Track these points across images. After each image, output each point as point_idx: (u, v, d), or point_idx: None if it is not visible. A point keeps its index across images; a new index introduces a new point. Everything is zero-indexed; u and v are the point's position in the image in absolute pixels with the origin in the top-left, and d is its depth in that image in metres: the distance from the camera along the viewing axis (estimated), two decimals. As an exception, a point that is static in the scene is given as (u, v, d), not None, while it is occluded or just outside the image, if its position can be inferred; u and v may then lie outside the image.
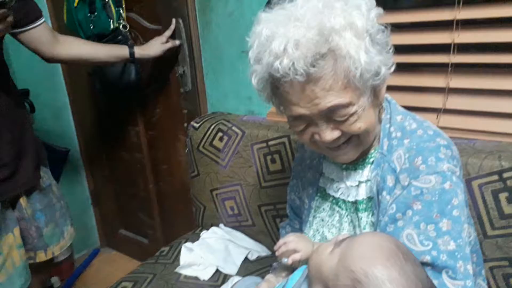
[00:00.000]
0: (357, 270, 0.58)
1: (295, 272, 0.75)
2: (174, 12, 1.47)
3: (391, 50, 0.72)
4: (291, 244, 0.81)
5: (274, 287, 0.79)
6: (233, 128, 1.32)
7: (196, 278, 1.20)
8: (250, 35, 0.73)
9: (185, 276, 1.21)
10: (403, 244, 0.65)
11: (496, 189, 0.88)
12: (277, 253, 0.82)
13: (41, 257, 1.24)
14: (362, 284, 0.57)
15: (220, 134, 1.34)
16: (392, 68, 0.72)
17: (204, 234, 1.32)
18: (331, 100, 0.67)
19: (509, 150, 0.90)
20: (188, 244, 1.27)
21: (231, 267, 1.21)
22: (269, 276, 0.85)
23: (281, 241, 0.82)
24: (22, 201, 1.16)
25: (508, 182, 0.87)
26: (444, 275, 0.65)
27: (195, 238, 1.35)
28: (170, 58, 1.55)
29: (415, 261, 0.61)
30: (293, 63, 0.64)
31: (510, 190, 0.87)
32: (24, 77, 1.82)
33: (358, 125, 0.70)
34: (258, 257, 1.27)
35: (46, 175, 1.24)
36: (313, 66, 0.64)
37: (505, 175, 0.87)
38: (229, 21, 1.39)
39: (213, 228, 1.34)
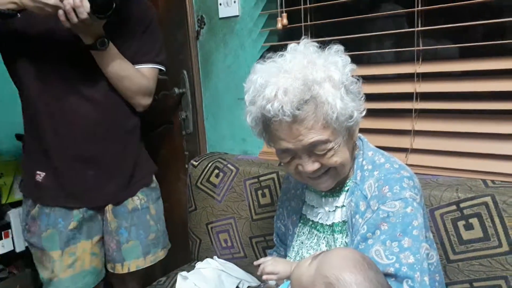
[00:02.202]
0: (330, 275, 0.69)
1: (281, 286, 0.85)
2: (180, 64, 1.67)
3: (362, 98, 0.88)
4: (268, 267, 0.92)
5: None
6: (228, 165, 1.46)
7: (189, 304, 1.28)
8: (246, 82, 0.89)
9: (180, 303, 1.29)
10: (371, 258, 0.76)
11: (455, 218, 1.00)
12: (258, 272, 0.93)
13: (118, 269, 1.35)
14: (334, 286, 0.68)
15: (216, 171, 1.48)
16: (364, 113, 0.87)
17: (199, 264, 1.42)
18: (312, 137, 0.81)
19: (465, 183, 1.03)
20: (184, 272, 1.36)
21: (222, 295, 1.29)
22: None
23: (260, 261, 0.93)
24: (109, 214, 1.29)
25: (465, 211, 0.98)
26: (404, 285, 0.76)
27: (190, 269, 1.44)
28: (174, 104, 1.73)
29: (377, 270, 0.73)
30: (282, 106, 0.78)
31: (467, 219, 0.98)
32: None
33: (334, 159, 0.84)
34: (248, 287, 1.35)
35: (145, 198, 1.36)
36: (298, 109, 0.79)
37: (461, 205, 0.99)
38: (227, 73, 1.58)
39: (207, 260, 1.44)
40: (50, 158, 1.21)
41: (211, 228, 1.49)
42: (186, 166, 1.70)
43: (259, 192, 1.37)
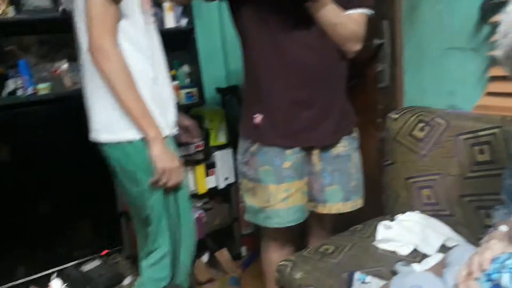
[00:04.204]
0: None
1: None
2: (380, 14, 1.60)
3: None
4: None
5: (503, 255, 0.82)
6: (436, 119, 1.38)
7: (393, 252, 1.28)
8: (501, 15, 0.81)
9: (383, 250, 1.31)
10: None
11: None
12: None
13: (320, 209, 1.44)
14: None
15: (421, 124, 1.42)
16: None
17: (400, 216, 1.40)
18: None
19: None
20: (386, 222, 1.37)
21: (429, 248, 1.26)
22: (493, 243, 0.87)
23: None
24: (315, 157, 1.39)
25: None
26: None
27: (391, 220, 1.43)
28: (369, 56, 1.69)
29: None
30: None
31: None
32: (234, 73, 2.22)
33: None
34: (455, 245, 1.28)
35: (349, 146, 1.41)
36: None
37: None
38: (436, 20, 1.46)
39: (409, 213, 1.41)
40: (268, 102, 1.32)
41: (412, 183, 1.45)
42: (380, 120, 1.67)
43: (476, 148, 1.26)
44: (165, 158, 1.16)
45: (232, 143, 2.03)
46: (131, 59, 1.15)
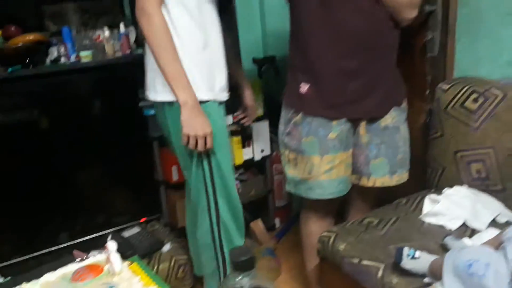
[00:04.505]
0: None
1: None
2: (435, -21, 1.51)
3: None
4: None
5: None
6: (492, 90, 1.31)
7: (441, 226, 1.25)
8: None
9: (429, 224, 1.28)
10: None
11: None
12: None
13: (364, 182, 1.40)
14: None
15: (474, 95, 1.35)
16: None
17: (448, 190, 1.36)
18: None
19: None
20: (433, 196, 1.33)
21: (478, 223, 1.22)
22: None
23: None
24: (361, 129, 1.34)
25: None
26: None
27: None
28: (418, 24, 1.60)
29: None
30: None
31: None
32: (271, 43, 2.16)
33: None
34: (507, 221, 1.23)
35: (398, 117, 1.35)
36: None
37: None
38: (497, -16, 1.37)
39: (457, 187, 1.36)
40: (315, 71, 1.28)
41: (461, 156, 1.39)
42: (428, 91, 1.60)
43: (536, 120, 1.19)
44: (190, 124, 1.17)
45: (268, 115, 2.00)
46: (180, 23, 1.15)
